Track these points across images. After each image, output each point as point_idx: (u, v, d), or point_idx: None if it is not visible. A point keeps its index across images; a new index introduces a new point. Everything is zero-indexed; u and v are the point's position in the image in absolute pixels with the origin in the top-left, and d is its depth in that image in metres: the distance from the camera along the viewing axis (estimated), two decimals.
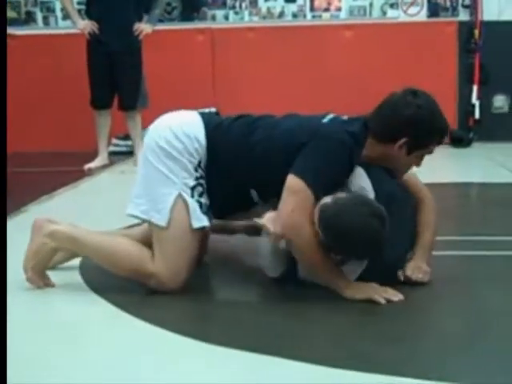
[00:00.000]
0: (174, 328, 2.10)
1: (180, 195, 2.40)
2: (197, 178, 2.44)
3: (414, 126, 2.38)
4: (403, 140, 2.39)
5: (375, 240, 2.21)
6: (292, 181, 2.30)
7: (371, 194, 2.35)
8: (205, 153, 2.45)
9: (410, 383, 1.72)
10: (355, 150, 2.36)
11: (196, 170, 2.45)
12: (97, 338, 2.08)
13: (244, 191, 2.47)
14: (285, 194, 2.30)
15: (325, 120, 2.42)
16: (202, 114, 2.55)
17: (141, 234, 2.64)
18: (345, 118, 2.47)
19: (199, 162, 2.46)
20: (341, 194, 2.29)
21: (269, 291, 2.42)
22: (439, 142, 2.46)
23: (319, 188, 2.29)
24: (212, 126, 2.49)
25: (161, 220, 2.39)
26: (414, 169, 2.55)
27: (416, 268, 2.43)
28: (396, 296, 2.25)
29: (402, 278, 2.40)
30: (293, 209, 2.28)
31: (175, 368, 1.85)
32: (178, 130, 2.45)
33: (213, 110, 2.66)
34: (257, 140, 2.44)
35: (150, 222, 2.45)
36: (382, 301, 2.22)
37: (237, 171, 2.42)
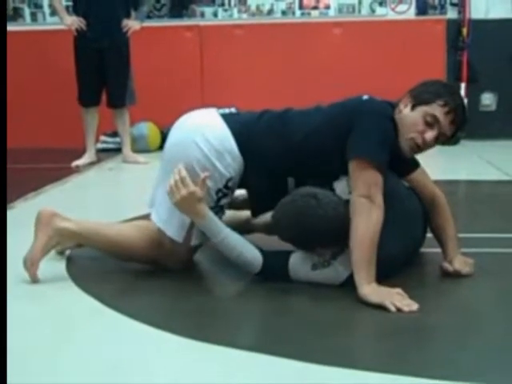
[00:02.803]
0: (154, 323, 2.10)
1: None
2: (216, 202, 2.52)
3: (423, 84, 2.44)
4: (407, 95, 2.42)
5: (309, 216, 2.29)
6: (354, 164, 2.31)
7: None
8: (240, 164, 2.50)
9: (394, 379, 1.73)
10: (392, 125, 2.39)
11: (217, 193, 2.51)
12: (76, 332, 2.08)
13: (282, 182, 2.52)
14: (356, 175, 2.30)
15: (364, 97, 2.45)
16: (229, 123, 2.53)
17: None
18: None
19: (227, 181, 2.51)
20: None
21: (254, 286, 2.42)
22: (446, 110, 2.36)
23: (383, 161, 2.32)
24: (243, 133, 2.51)
25: (175, 235, 2.52)
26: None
27: (463, 262, 2.51)
28: (409, 307, 2.16)
29: (450, 270, 2.47)
30: (370, 183, 2.28)
31: (152, 361, 1.85)
32: (212, 153, 2.48)
33: (233, 109, 2.64)
34: (295, 129, 2.47)
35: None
36: (392, 308, 2.15)
37: (276, 164, 2.45)
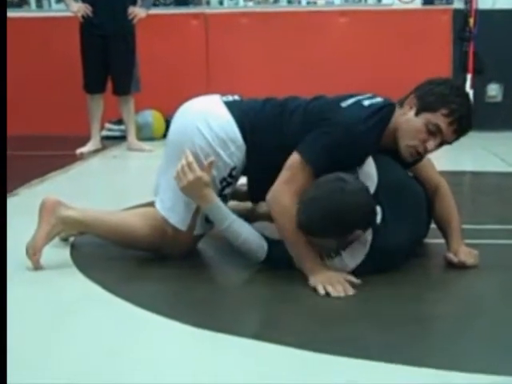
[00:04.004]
0: (158, 310, 2.10)
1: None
2: (220, 191, 2.51)
3: (428, 84, 2.42)
4: (412, 96, 2.41)
5: (348, 210, 2.19)
6: (292, 157, 2.35)
7: (374, 181, 2.37)
8: (244, 153, 2.51)
9: (396, 369, 1.73)
10: (368, 138, 2.35)
11: (221, 182, 2.51)
12: (80, 319, 2.08)
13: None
14: (283, 170, 2.35)
15: (344, 104, 2.41)
16: (233, 111, 2.53)
17: None
18: (368, 97, 2.47)
19: (231, 170, 2.51)
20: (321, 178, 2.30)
21: (259, 275, 2.43)
22: (449, 120, 2.34)
23: (318, 167, 2.31)
24: (247, 122, 2.51)
25: (178, 223, 2.53)
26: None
27: (468, 253, 2.48)
28: (338, 292, 2.20)
29: (455, 261, 2.45)
30: (283, 182, 2.33)
31: (156, 349, 1.86)
32: (215, 142, 2.48)
33: (236, 97, 2.64)
34: (291, 122, 2.47)
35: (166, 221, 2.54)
36: (321, 292, 2.21)
37: (275, 156, 2.41)
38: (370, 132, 2.36)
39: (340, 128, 2.33)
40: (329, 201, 2.19)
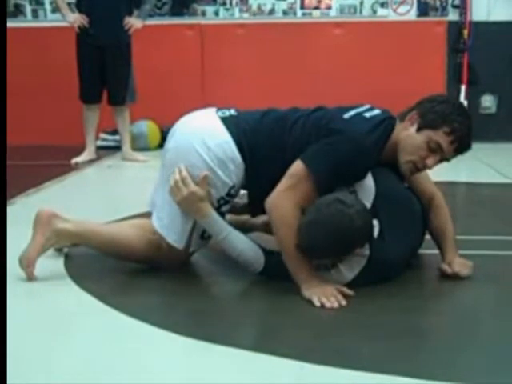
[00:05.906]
0: (152, 321, 2.09)
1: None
2: (216, 209, 2.48)
3: (430, 102, 2.42)
4: (414, 112, 2.41)
5: (345, 234, 2.19)
6: (296, 165, 2.32)
7: (371, 193, 2.37)
8: (243, 170, 2.49)
9: (392, 380, 1.73)
10: (372, 152, 2.35)
11: (218, 201, 2.49)
12: (74, 331, 2.08)
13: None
14: (284, 177, 2.32)
15: (346, 116, 2.41)
16: (230, 129, 2.49)
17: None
18: (367, 109, 2.46)
19: (230, 189, 2.49)
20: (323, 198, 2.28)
21: (255, 286, 2.43)
22: (450, 139, 2.36)
23: (322, 178, 2.29)
24: (244, 140, 2.48)
25: (176, 242, 2.51)
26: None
27: (462, 264, 2.48)
28: (331, 303, 2.19)
29: (449, 272, 2.45)
30: (285, 189, 2.30)
31: (150, 360, 1.85)
32: (214, 163, 2.45)
33: (232, 111, 2.59)
34: (290, 134, 2.45)
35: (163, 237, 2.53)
36: (317, 303, 2.20)
37: (275, 173, 2.37)
38: (374, 146, 2.36)
39: (345, 140, 2.33)
40: (330, 225, 2.19)
